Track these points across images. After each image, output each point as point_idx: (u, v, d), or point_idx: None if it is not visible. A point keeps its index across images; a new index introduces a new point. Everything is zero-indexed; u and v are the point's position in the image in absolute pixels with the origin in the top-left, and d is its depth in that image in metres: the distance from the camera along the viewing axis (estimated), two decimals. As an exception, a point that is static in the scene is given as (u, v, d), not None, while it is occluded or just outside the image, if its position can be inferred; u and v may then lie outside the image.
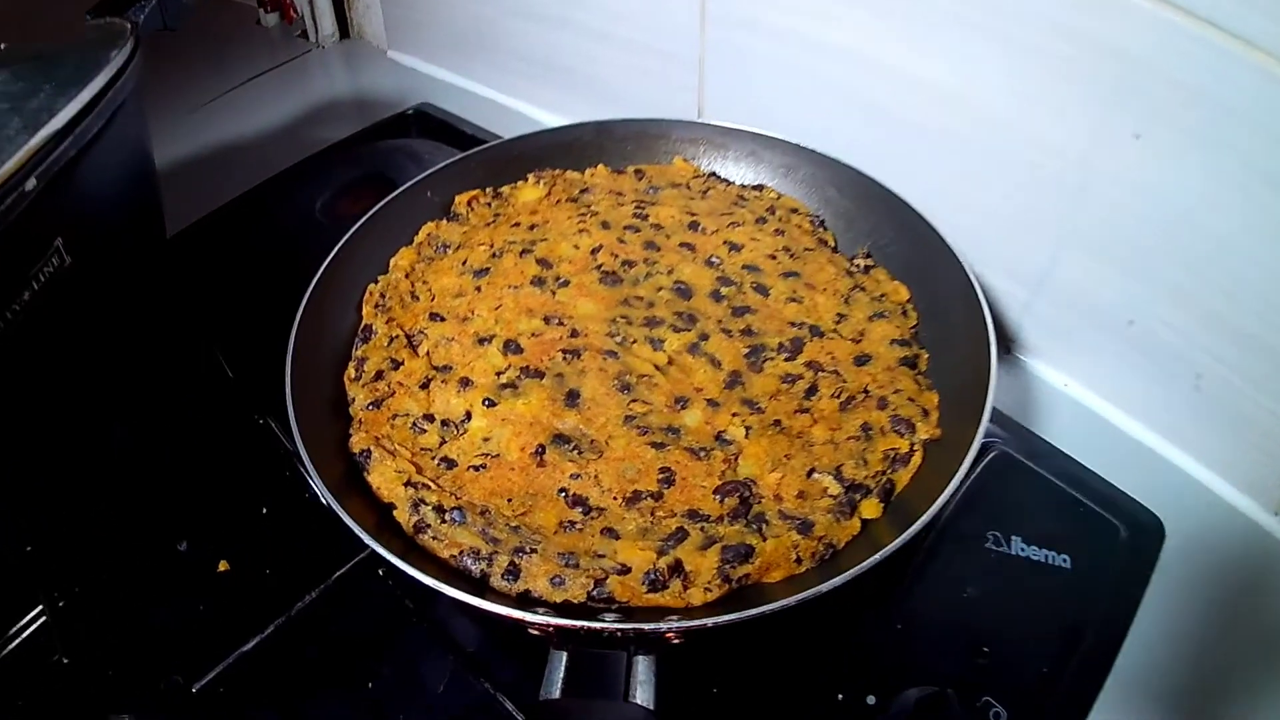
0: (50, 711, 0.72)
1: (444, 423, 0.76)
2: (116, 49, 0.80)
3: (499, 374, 0.79)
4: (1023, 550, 0.78)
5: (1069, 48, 0.77)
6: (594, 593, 0.63)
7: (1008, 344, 0.99)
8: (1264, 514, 0.83)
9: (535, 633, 0.61)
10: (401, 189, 0.95)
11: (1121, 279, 0.85)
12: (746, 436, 0.74)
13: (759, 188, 1.01)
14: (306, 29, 1.67)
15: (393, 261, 0.92)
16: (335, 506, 0.64)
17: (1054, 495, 0.83)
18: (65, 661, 0.75)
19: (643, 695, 0.56)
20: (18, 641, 0.77)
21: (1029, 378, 0.98)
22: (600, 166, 1.04)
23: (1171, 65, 0.71)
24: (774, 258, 0.89)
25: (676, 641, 0.61)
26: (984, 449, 0.83)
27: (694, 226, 0.93)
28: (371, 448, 0.73)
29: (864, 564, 0.60)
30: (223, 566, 0.81)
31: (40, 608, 0.79)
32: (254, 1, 1.71)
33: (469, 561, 0.65)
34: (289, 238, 1.13)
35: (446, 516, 0.68)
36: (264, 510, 0.85)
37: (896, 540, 0.61)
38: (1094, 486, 0.83)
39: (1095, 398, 0.95)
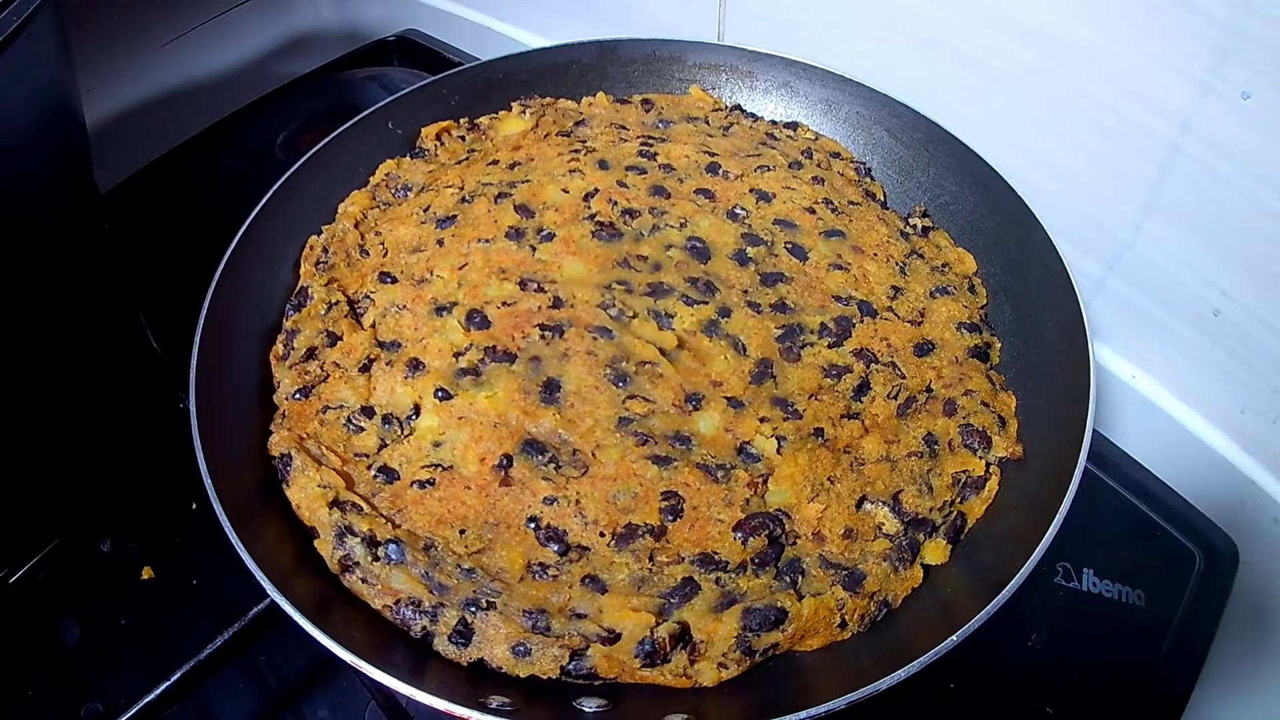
0: None
1: (385, 419, 0.68)
2: None
3: (458, 355, 0.71)
4: (1094, 585, 0.77)
5: None
6: (570, 667, 0.55)
7: None
8: None
9: None
10: (355, 119, 0.89)
11: (1211, 260, 0.82)
12: (779, 451, 0.66)
13: (793, 125, 0.95)
14: None
15: (341, 208, 0.85)
16: (238, 545, 0.57)
17: (1127, 515, 0.82)
18: None
19: None
20: None
21: (1094, 366, 0.94)
22: (600, 94, 0.98)
23: None
24: (812, 211, 0.83)
25: None
26: None
27: (713, 170, 0.87)
28: (293, 451, 0.66)
29: (935, 651, 0.52)
30: (147, 573, 0.79)
31: None
32: None
33: (408, 614, 0.57)
34: (244, 181, 1.05)
35: (380, 552, 0.60)
36: (194, 506, 0.81)
37: (979, 615, 0.54)
38: (1167, 503, 0.82)
39: (1166, 395, 0.92)
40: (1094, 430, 0.78)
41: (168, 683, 0.66)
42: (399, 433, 0.67)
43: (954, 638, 0.52)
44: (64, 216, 0.91)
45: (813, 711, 0.48)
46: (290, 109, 1.18)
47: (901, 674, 0.51)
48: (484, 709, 0.48)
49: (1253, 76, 0.71)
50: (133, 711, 0.66)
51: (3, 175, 0.79)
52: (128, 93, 1.20)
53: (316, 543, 0.61)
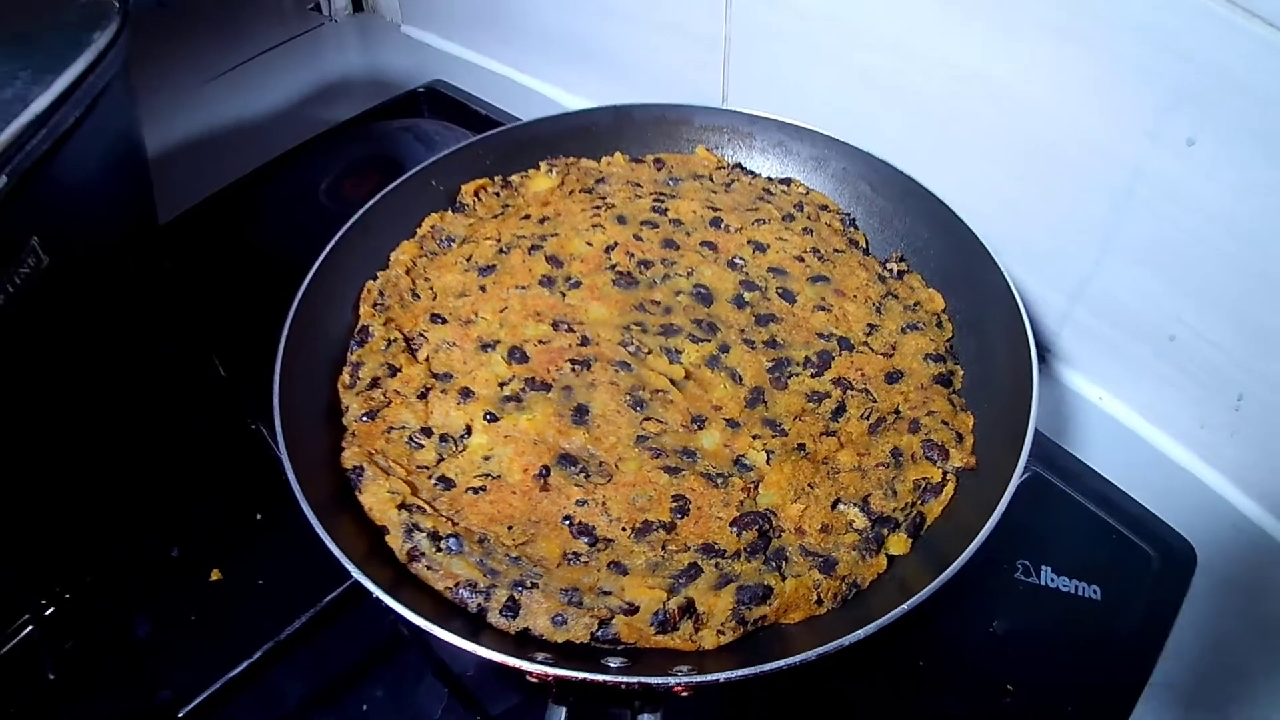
0: None
1: (442, 438, 0.75)
2: (100, 30, 0.79)
3: (502, 385, 0.78)
4: (1052, 581, 0.79)
5: (1126, 43, 0.76)
6: (598, 633, 0.62)
7: (1043, 353, 0.99)
8: None
9: (533, 680, 0.59)
10: (403, 177, 0.93)
11: (1165, 291, 0.85)
12: (768, 462, 0.72)
13: (786, 181, 0.99)
14: (319, 2, 1.65)
15: (393, 256, 0.90)
16: (323, 534, 0.62)
17: (1085, 520, 0.83)
18: (52, 678, 0.75)
19: None
20: (4, 651, 0.77)
21: (1063, 390, 0.98)
22: (618, 154, 1.02)
23: (1234, 69, 0.70)
24: (802, 260, 0.89)
25: (685, 695, 0.60)
26: None
27: (716, 223, 0.92)
28: (364, 464, 0.72)
29: (889, 615, 0.59)
30: (215, 575, 0.81)
31: (26, 618, 0.79)
32: None
33: (465, 594, 0.64)
34: (291, 223, 1.13)
35: (442, 544, 0.67)
36: (258, 517, 0.85)
37: (925, 589, 0.60)
38: (1127, 510, 0.83)
39: (1131, 413, 0.95)
40: (1062, 448, 0.87)
41: (248, 660, 0.71)
42: (454, 449, 0.74)
43: (905, 605, 0.58)
44: (129, 251, 0.97)
45: (791, 660, 0.55)
46: (331, 156, 1.20)
47: (861, 633, 0.57)
48: (531, 660, 0.56)
49: (1195, 125, 0.75)
50: (209, 691, 0.70)
51: (84, 215, 0.84)
52: (167, 138, 1.23)
53: (387, 538, 0.67)
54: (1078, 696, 0.72)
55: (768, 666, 0.56)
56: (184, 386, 0.96)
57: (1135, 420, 0.94)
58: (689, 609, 0.63)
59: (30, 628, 0.77)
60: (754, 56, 1.09)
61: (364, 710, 0.72)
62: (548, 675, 0.56)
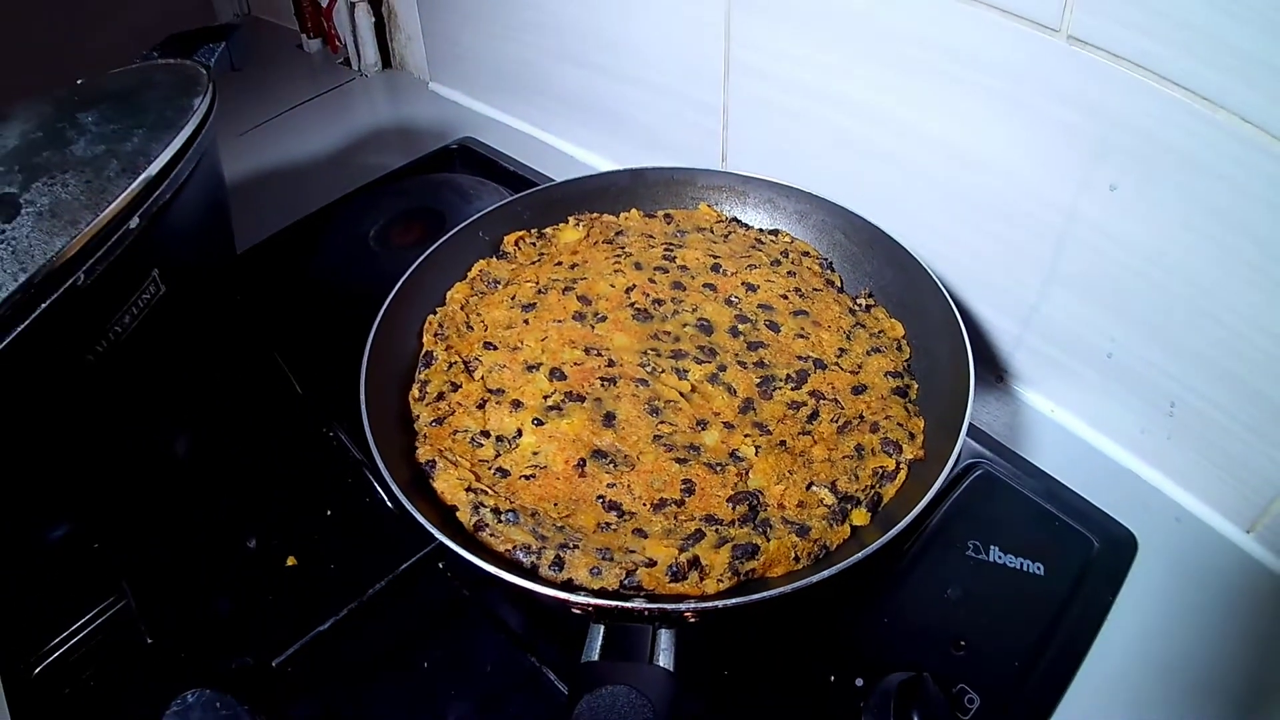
0: (130, 688, 0.76)
1: (499, 439, 0.81)
2: (199, 96, 0.84)
3: (546, 397, 0.83)
4: (1000, 558, 0.83)
5: (1058, 107, 0.80)
6: (625, 581, 0.69)
7: (1000, 373, 1.03)
8: (1236, 531, 0.87)
9: (577, 611, 0.66)
10: (455, 229, 0.99)
11: (1101, 316, 0.88)
12: (756, 454, 0.78)
13: (775, 232, 1.05)
14: (349, 57, 1.67)
15: (449, 294, 0.96)
16: (406, 504, 0.69)
17: (1032, 510, 0.87)
18: (149, 641, 0.78)
19: (665, 660, 0.63)
20: (97, 624, 0.80)
21: (1019, 405, 1.02)
22: (634, 210, 1.07)
23: (1146, 125, 0.74)
24: (786, 297, 0.93)
25: (693, 620, 0.66)
26: (970, 468, 0.89)
27: (716, 269, 0.97)
28: (436, 459, 0.78)
29: (851, 559, 0.66)
30: (290, 561, 0.84)
31: (113, 598, 0.82)
32: (295, 27, 1.72)
33: (521, 555, 0.71)
34: (344, 263, 1.16)
35: (503, 517, 0.73)
36: (329, 513, 0.88)
37: (879, 540, 0.67)
38: (1071, 503, 0.87)
39: (1079, 422, 0.98)
40: (1016, 453, 0.91)
41: (335, 617, 0.75)
42: (508, 447, 0.80)
43: (860, 553, 0.66)
44: (218, 288, 1.03)
45: (772, 592, 0.65)
46: (377, 205, 1.24)
47: (827, 572, 0.65)
48: (576, 595, 0.65)
49: (1117, 173, 0.78)
50: (299, 644, 0.74)
51: (190, 254, 0.89)
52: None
53: (458, 514, 0.73)
54: (1024, 653, 0.75)
55: (755, 596, 0.65)
56: (262, 400, 1.00)
57: (1083, 428, 0.97)
58: (695, 563, 0.69)
59: (120, 604, 0.81)
60: (748, 123, 1.13)
61: (425, 666, 0.76)
62: (589, 606, 0.65)
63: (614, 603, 0.65)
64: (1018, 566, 0.82)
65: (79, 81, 0.88)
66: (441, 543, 0.67)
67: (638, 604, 0.65)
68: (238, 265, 1.14)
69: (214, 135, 0.86)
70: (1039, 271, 0.91)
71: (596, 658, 0.64)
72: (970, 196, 0.93)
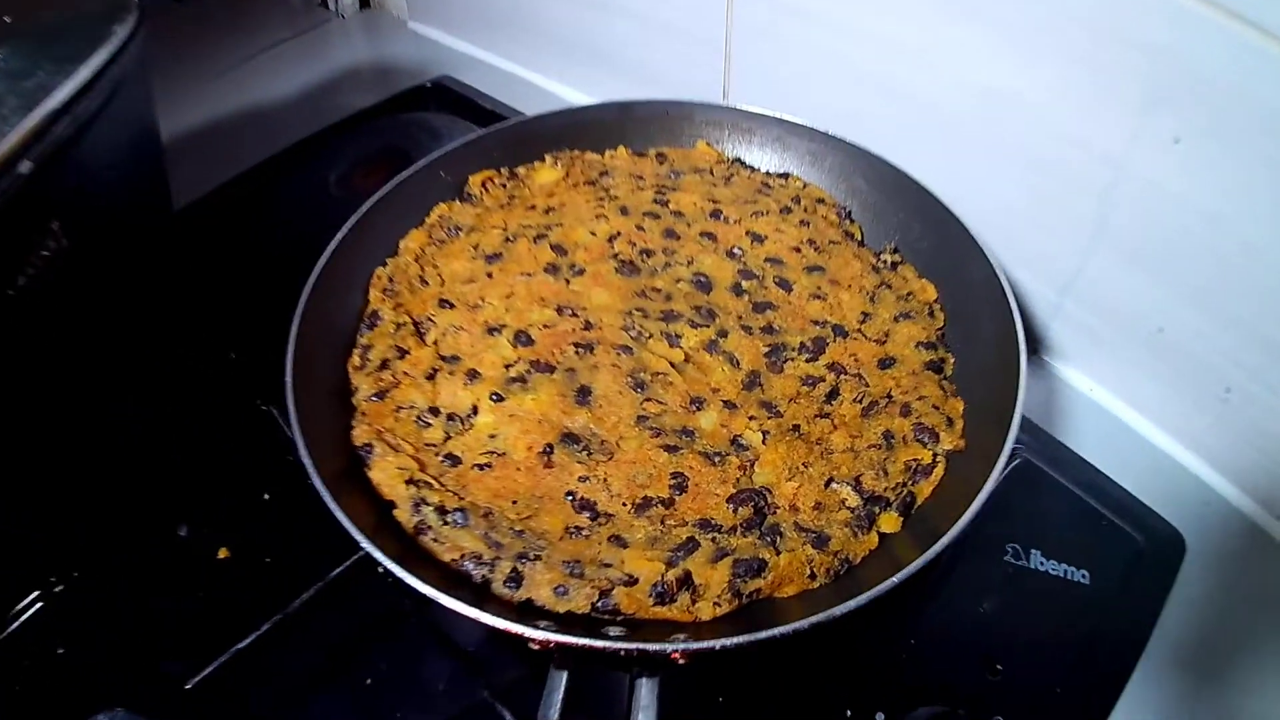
0: (44, 700, 0.73)
1: (449, 417, 0.76)
2: (119, 23, 0.80)
3: (508, 366, 0.79)
4: (1042, 564, 0.79)
5: (1113, 45, 0.76)
6: (599, 604, 0.63)
7: (1034, 345, 0.99)
8: None
9: (535, 648, 0.60)
10: (413, 168, 0.94)
11: (1152, 285, 0.85)
12: (764, 442, 0.74)
13: (784, 175, 1.00)
14: None
15: (402, 244, 0.91)
16: (333, 507, 0.63)
17: (1075, 506, 0.84)
18: (60, 652, 0.75)
19: (645, 718, 0.57)
20: (13, 628, 0.77)
21: (1054, 381, 0.98)
22: (621, 148, 1.03)
23: (1216, 69, 0.71)
24: (798, 250, 0.90)
25: (682, 662, 0.61)
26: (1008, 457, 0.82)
27: (716, 215, 0.94)
28: (374, 442, 0.72)
29: (880, 587, 0.60)
30: (223, 554, 0.81)
31: (36, 594, 0.79)
32: None
33: (470, 566, 0.65)
34: (301, 213, 1.14)
35: (448, 518, 0.68)
36: (266, 497, 0.85)
37: (915, 562, 0.61)
38: (1116, 498, 0.84)
39: (1120, 404, 0.95)
40: (1053, 437, 0.87)
41: (257, 633, 0.73)
42: (460, 428, 0.75)
43: (895, 578, 0.59)
44: (146, 237, 0.98)
45: (785, 629, 0.56)
46: (341, 148, 1.21)
47: (852, 604, 0.58)
48: (534, 627, 0.57)
49: (1179, 125, 0.75)
50: (219, 661, 0.71)
51: (103, 202, 0.85)
52: (174, 128, 1.21)
53: (395, 512, 0.68)
54: (1065, 677, 0.72)
55: (762, 634, 0.57)
56: (195, 369, 0.97)
57: (1124, 411, 0.94)
58: (686, 581, 0.63)
59: (40, 604, 0.78)
60: (754, 55, 1.10)
61: (368, 684, 0.72)
62: (550, 642, 0.57)
63: (583, 640, 0.57)
64: (1061, 574, 0.79)
65: (6, 20, 0.84)
66: (367, 551, 0.61)
67: (613, 641, 0.58)
68: (183, 217, 1.11)
69: (143, 71, 0.85)
70: (1083, 231, 0.88)
71: (558, 712, 0.57)
72: (1008, 143, 0.90)
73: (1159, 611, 0.77)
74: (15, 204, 0.69)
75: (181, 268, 1.05)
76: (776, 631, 0.57)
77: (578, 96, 1.37)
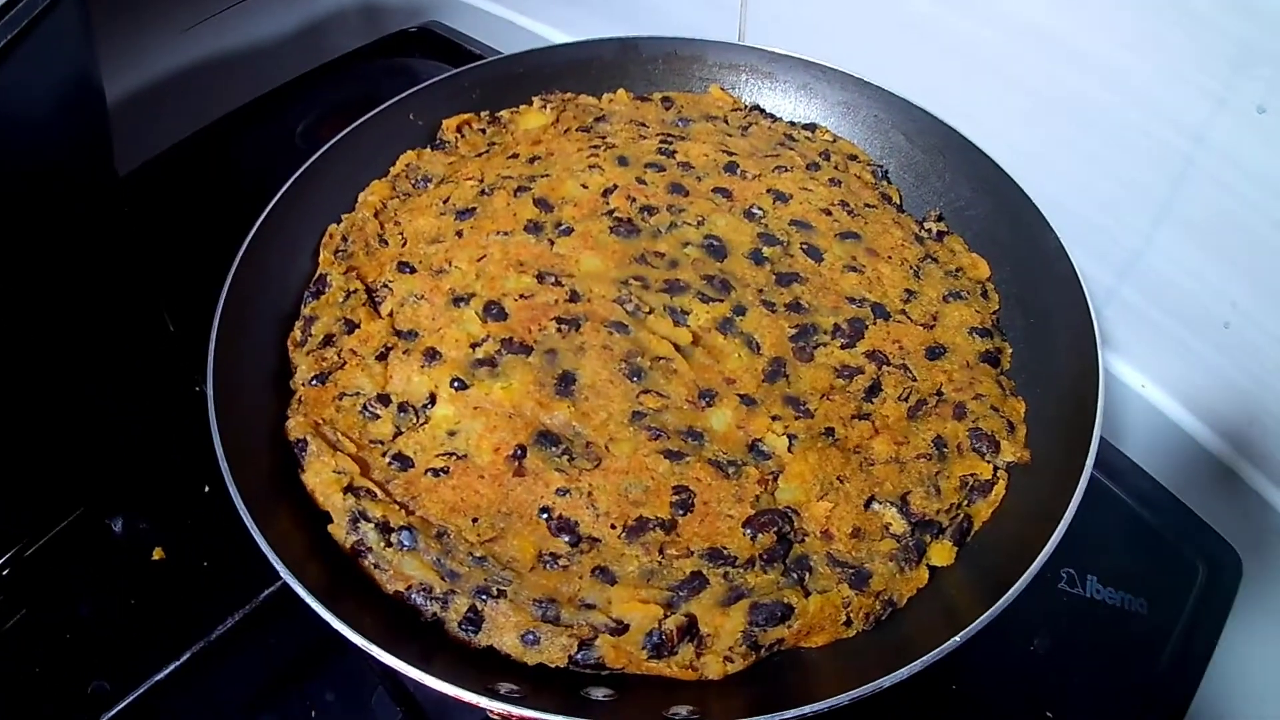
0: None
1: (401, 407, 0.70)
2: None
3: (474, 346, 0.73)
4: (1098, 592, 0.78)
5: (1208, 4, 0.73)
6: (578, 656, 0.57)
7: None
8: None
9: (495, 718, 0.52)
10: (377, 109, 0.90)
11: (1222, 273, 0.83)
12: (790, 449, 0.67)
13: (811, 127, 0.96)
14: None
15: (361, 197, 0.87)
16: (253, 528, 0.58)
17: (1132, 525, 0.83)
18: None
19: None
20: None
21: (1104, 374, 0.94)
22: (621, 91, 0.99)
23: None
24: (829, 213, 0.84)
25: None
26: None
27: (731, 169, 0.88)
28: (309, 437, 0.67)
29: (935, 652, 0.53)
30: (158, 555, 0.79)
31: None
32: None
33: (419, 600, 0.59)
34: (263, 168, 1.06)
35: (393, 538, 0.61)
36: (206, 489, 0.81)
37: (978, 620, 0.55)
38: (1172, 514, 0.83)
39: (1175, 405, 0.92)
40: (1104, 439, 0.78)
41: (176, 663, 0.68)
42: (414, 421, 0.69)
43: (956, 639, 0.53)
44: (83, 197, 0.93)
45: (816, 707, 0.49)
46: (311, 98, 1.21)
47: (903, 673, 0.52)
48: (492, 695, 0.49)
49: (1268, 90, 0.72)
50: (140, 691, 0.68)
51: (26, 154, 0.80)
52: (148, 76, 1.22)
53: (330, 527, 0.62)
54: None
55: (790, 714, 0.49)
56: (132, 342, 0.94)
57: (1178, 411, 0.91)
58: (690, 629, 0.57)
59: None
60: None
61: (311, 716, 0.70)
62: (511, 716, 0.49)
63: (555, 718, 0.50)
64: (1118, 604, 0.77)
65: None
66: (287, 584, 0.56)
67: (594, 714, 0.52)
68: (135, 178, 1.09)
69: (74, 7, 0.79)
70: (1150, 209, 0.85)
71: None
72: (1071, 106, 0.86)
73: (1216, 641, 0.76)
74: None
75: (126, 231, 1.02)
76: (807, 710, 0.49)
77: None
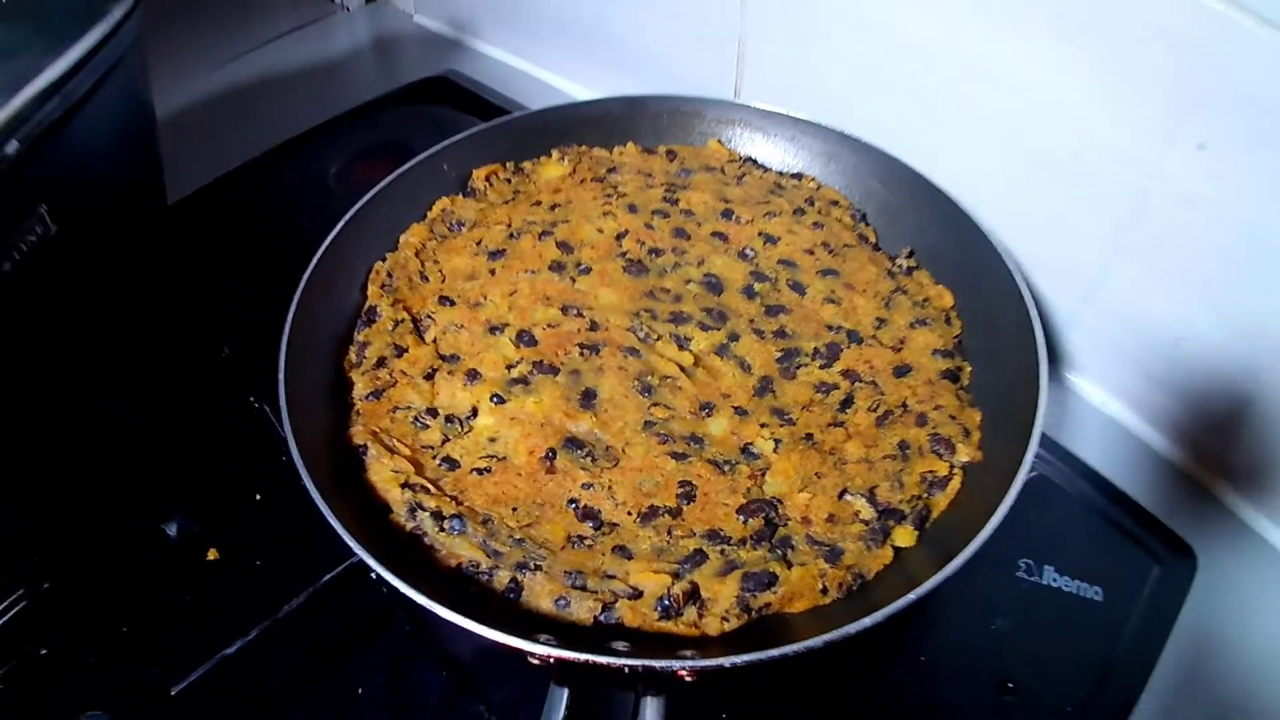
0: (25, 702, 0.73)
1: (448, 418, 0.76)
2: (116, 3, 0.80)
3: (510, 367, 0.79)
4: (1055, 580, 0.80)
5: (1140, 47, 0.76)
6: (601, 617, 0.63)
7: (1050, 356, 0.94)
8: None
9: (535, 663, 0.59)
10: (415, 160, 0.94)
11: (1174, 296, 0.85)
12: (775, 451, 0.74)
13: (798, 176, 1.00)
14: None
15: (402, 238, 0.91)
16: (325, 511, 0.63)
17: (1090, 522, 0.84)
18: (44, 653, 0.75)
19: None
20: None
21: (1067, 393, 0.98)
22: (630, 144, 1.03)
23: (1243, 75, 0.71)
24: (812, 253, 0.90)
25: (689, 680, 0.60)
26: None
27: (728, 215, 0.94)
28: (369, 443, 0.73)
29: (895, 605, 0.60)
30: (212, 555, 0.81)
31: (19, 593, 0.79)
32: None
33: (470, 571, 0.65)
34: (299, 206, 1.14)
35: (445, 524, 0.68)
36: (257, 497, 0.85)
37: (931, 580, 0.61)
38: (1130, 514, 0.84)
39: (1134, 418, 0.94)
40: (1066, 450, 0.88)
41: (242, 640, 0.70)
42: (459, 430, 0.75)
43: (911, 595, 0.59)
44: (139, 227, 0.98)
45: (797, 646, 0.56)
46: (343, 141, 1.22)
47: (868, 621, 0.58)
48: (535, 641, 0.56)
49: (1206, 129, 0.75)
50: (204, 669, 0.70)
51: (97, 186, 0.85)
52: (174, 118, 1.22)
53: (391, 516, 0.68)
54: (1077, 696, 0.73)
55: (774, 652, 0.56)
56: (187, 364, 0.97)
57: (1138, 425, 0.94)
58: (694, 594, 0.63)
59: (24, 604, 0.78)
60: (768, 51, 1.09)
61: (359, 694, 0.72)
62: (550, 658, 0.56)
63: (585, 656, 0.56)
64: (1074, 591, 0.79)
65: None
66: (360, 559, 0.61)
67: (617, 658, 0.57)
68: (180, 209, 1.11)
69: (139, 54, 0.85)
70: (1108, 240, 0.87)
71: None
72: (1034, 146, 0.88)
73: (1170, 629, 0.77)
74: (1, 186, 0.69)
75: (176, 260, 1.05)
76: (789, 649, 0.56)
77: (585, 93, 1.36)
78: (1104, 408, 0.96)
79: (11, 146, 0.68)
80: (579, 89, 1.37)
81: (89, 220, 0.83)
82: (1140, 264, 0.86)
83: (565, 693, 0.58)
